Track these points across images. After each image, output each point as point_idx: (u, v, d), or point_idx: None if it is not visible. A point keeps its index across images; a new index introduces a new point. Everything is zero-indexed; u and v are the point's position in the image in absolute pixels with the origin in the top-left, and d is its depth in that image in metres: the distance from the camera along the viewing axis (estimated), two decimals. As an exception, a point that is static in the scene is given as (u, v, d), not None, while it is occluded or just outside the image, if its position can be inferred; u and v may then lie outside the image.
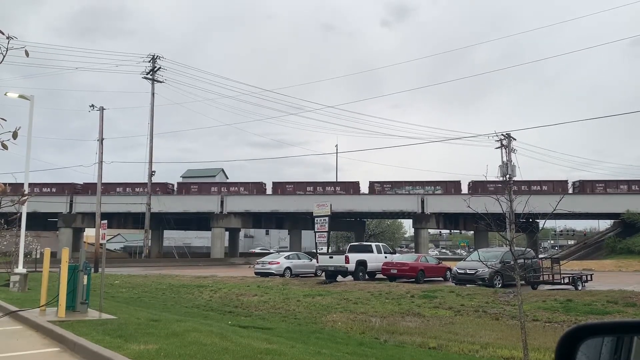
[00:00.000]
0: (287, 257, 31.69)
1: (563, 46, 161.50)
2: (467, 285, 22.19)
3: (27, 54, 3.54)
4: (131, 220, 57.05)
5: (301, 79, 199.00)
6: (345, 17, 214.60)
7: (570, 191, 52.29)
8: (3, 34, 3.27)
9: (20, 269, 19.56)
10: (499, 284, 22.31)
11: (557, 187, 50.97)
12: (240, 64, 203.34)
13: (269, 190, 56.98)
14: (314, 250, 31.38)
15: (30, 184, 21.50)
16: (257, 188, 57.12)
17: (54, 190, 56.96)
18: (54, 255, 16.22)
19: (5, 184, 3.62)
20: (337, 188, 56.14)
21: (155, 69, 52.41)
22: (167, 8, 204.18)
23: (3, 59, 3.35)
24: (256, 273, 30.11)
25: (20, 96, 20.44)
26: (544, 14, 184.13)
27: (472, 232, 65.84)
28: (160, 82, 52.97)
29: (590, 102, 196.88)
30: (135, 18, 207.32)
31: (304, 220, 57.92)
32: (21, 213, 18.73)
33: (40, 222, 54.02)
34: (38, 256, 30.40)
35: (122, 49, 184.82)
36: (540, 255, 40.24)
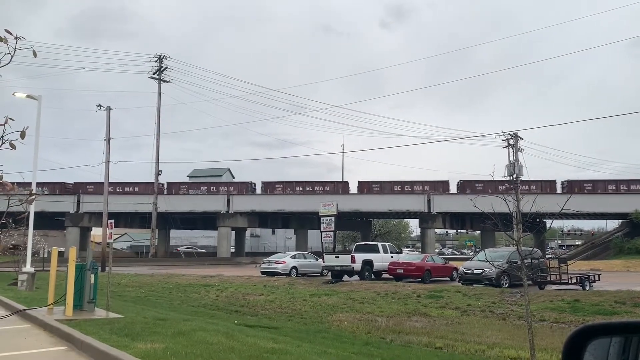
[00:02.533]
0: (293, 257, 31.72)
1: (565, 46, 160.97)
2: (474, 285, 22.10)
3: (34, 54, 3.56)
4: (138, 219, 57.31)
5: (302, 81, 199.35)
6: (345, 18, 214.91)
7: (559, 191, 51.87)
8: (11, 34, 3.29)
9: (28, 268, 19.70)
10: (505, 284, 22.22)
11: (545, 187, 50.76)
12: (240, 65, 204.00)
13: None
14: (320, 250, 31.40)
15: (37, 184, 21.62)
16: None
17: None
18: (61, 254, 16.32)
19: (13, 183, 3.64)
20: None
21: (162, 69, 52.59)
22: (167, 10, 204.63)
23: (11, 59, 3.37)
24: (262, 272, 30.15)
25: (28, 96, 20.59)
26: (546, 13, 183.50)
27: (479, 231, 65.65)
28: (167, 81, 53.16)
29: (594, 102, 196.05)
30: (136, 20, 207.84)
31: (310, 220, 57.93)
32: (29, 212, 18.85)
33: (47, 221, 54.34)
34: (45, 255, 30.61)
35: (123, 51, 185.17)
36: (548, 255, 40.05)
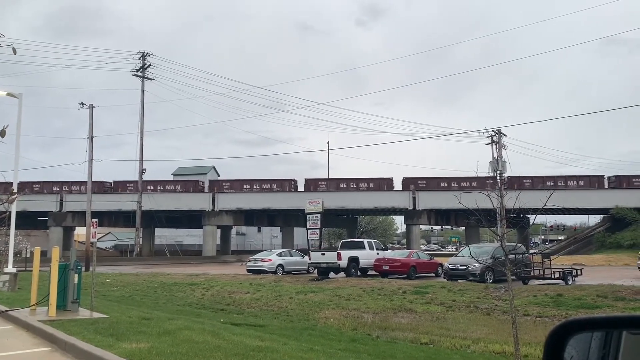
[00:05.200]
0: (280, 255, 31.66)
1: (542, 44, 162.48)
2: (459, 281, 22.28)
3: (14, 51, 3.51)
4: (122, 218, 56.79)
5: (282, 79, 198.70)
6: (323, 17, 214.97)
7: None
8: (-10, 31, 3.23)
9: (10, 268, 19.42)
10: (490, 279, 22.42)
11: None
12: (219, 64, 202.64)
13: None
14: (307, 247, 31.41)
15: (19, 183, 21.33)
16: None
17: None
18: (44, 254, 16.10)
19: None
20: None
21: (146, 66, 52.10)
22: (145, 7, 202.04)
23: (-10, 57, 3.31)
24: (248, 270, 30.07)
25: (9, 94, 20.23)
26: (524, 11, 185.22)
27: (464, 227, 66.19)
28: (151, 79, 52.70)
29: (573, 98, 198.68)
30: (112, 18, 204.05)
31: (296, 218, 57.91)
32: (10, 212, 18.58)
33: (30, 221, 53.61)
34: (28, 255, 30.19)
35: (101, 48, 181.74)
36: (531, 251, 40.51)
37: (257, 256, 32.04)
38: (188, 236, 79.77)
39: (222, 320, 13.23)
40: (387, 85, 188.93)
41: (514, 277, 15.16)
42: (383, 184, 55.15)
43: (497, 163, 40.49)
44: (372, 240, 31.13)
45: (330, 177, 57.72)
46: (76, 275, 12.17)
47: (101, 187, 55.46)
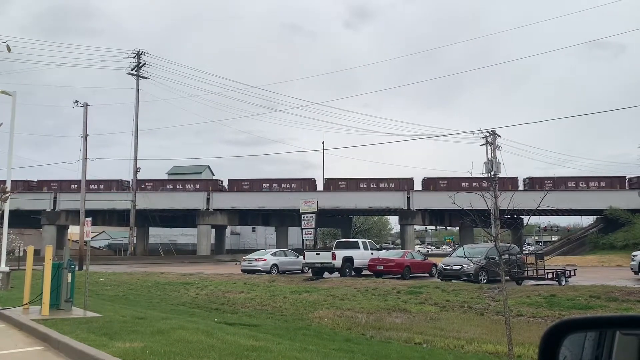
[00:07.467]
0: (274, 254, 31.65)
1: (534, 44, 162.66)
2: (453, 281, 22.35)
3: (9, 49, 3.48)
4: (116, 217, 56.62)
5: (274, 79, 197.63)
6: (314, 18, 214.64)
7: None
8: (-17, 28, 3.21)
9: (3, 267, 19.32)
10: (484, 279, 22.49)
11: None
12: (211, 64, 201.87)
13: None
14: (301, 247, 31.41)
15: (12, 181, 21.22)
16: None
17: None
18: (37, 253, 16.04)
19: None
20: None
21: (140, 65, 51.95)
22: (134, 7, 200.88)
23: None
24: (243, 270, 30.04)
25: (3, 91, 20.13)
26: (513, 14, 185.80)
27: (458, 228, 66.33)
28: (146, 78, 52.54)
29: (564, 100, 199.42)
30: (102, 18, 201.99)
31: (290, 217, 57.89)
32: (3, 210, 18.50)
33: (23, 219, 53.34)
34: (21, 254, 30.09)
35: (92, 46, 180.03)
36: (525, 251, 40.64)
37: (251, 256, 32.01)
38: (182, 235, 79.62)
39: (216, 319, 13.21)
40: (379, 86, 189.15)
41: (507, 277, 15.22)
42: (305, 185, 55.48)
43: (492, 164, 40.60)
44: (366, 240, 31.19)
45: (253, 177, 58.07)
46: (69, 274, 12.13)
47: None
